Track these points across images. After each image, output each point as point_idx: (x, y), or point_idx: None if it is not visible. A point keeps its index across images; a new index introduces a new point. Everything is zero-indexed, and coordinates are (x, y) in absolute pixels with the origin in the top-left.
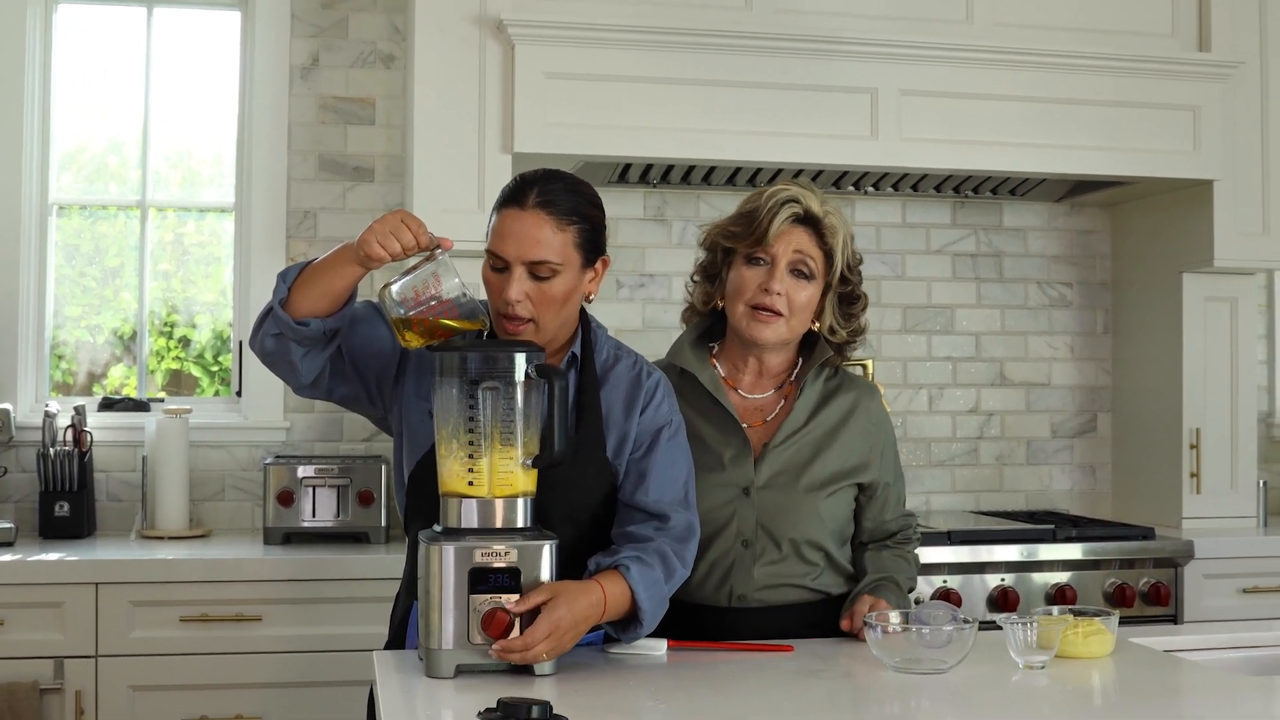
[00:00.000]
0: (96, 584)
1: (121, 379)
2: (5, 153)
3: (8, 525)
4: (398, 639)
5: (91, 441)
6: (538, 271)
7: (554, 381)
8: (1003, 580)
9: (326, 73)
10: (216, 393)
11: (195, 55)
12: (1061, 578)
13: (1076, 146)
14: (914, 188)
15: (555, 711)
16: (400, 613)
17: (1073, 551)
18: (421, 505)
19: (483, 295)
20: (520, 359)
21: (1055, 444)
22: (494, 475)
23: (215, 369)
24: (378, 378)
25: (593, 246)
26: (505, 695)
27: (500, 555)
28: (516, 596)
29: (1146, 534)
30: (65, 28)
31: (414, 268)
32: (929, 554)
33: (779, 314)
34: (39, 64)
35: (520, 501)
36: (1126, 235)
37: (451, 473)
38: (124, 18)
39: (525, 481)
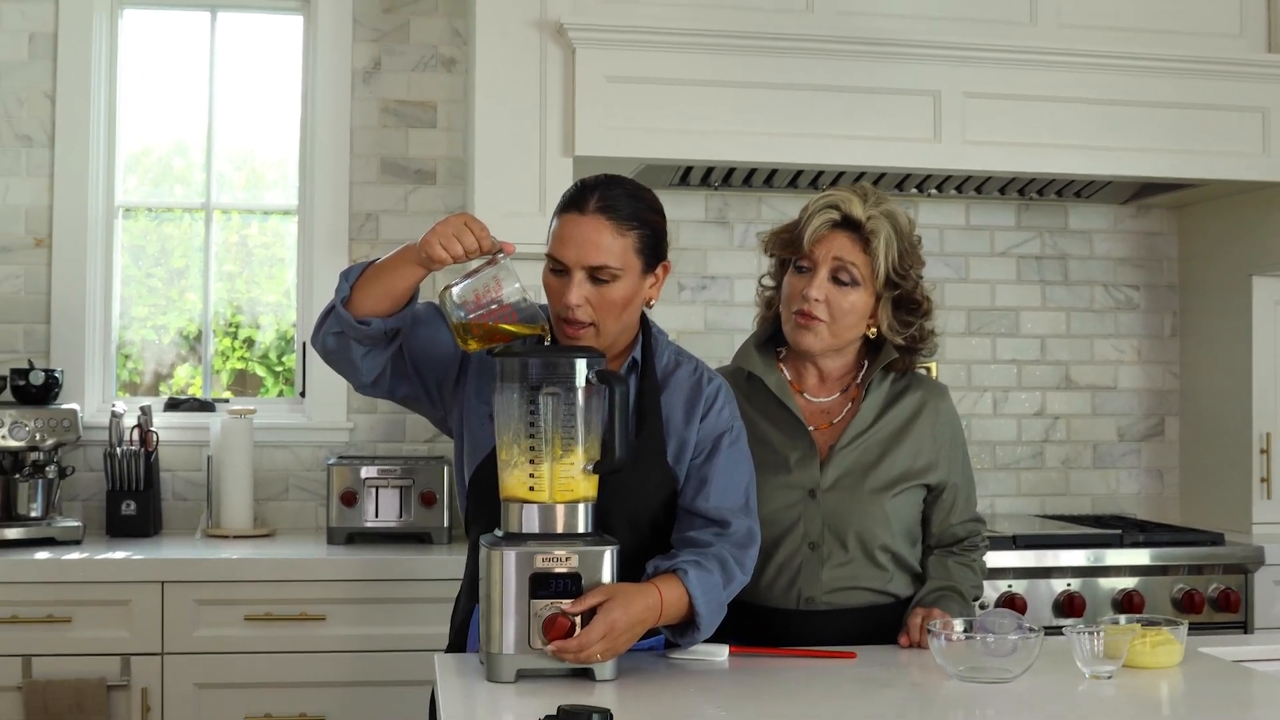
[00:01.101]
0: (162, 582)
1: (187, 379)
2: (73, 156)
3: (75, 524)
4: (459, 642)
5: (157, 441)
6: (598, 276)
7: (615, 387)
8: (1069, 585)
9: (388, 76)
10: (280, 393)
11: (258, 59)
12: (1129, 583)
13: (1142, 149)
14: (978, 190)
15: (615, 718)
16: (461, 616)
17: (1140, 557)
18: (482, 508)
19: (543, 299)
20: (581, 364)
21: (1122, 448)
22: (555, 481)
23: (279, 369)
24: (439, 379)
25: (653, 252)
26: (565, 702)
27: (561, 560)
28: None
29: (1216, 539)
30: (130, 32)
31: (475, 271)
32: (994, 559)
33: (819, 320)
34: (105, 68)
35: (581, 507)
36: (1194, 237)
37: (513, 478)
38: (188, 22)
39: (586, 487)
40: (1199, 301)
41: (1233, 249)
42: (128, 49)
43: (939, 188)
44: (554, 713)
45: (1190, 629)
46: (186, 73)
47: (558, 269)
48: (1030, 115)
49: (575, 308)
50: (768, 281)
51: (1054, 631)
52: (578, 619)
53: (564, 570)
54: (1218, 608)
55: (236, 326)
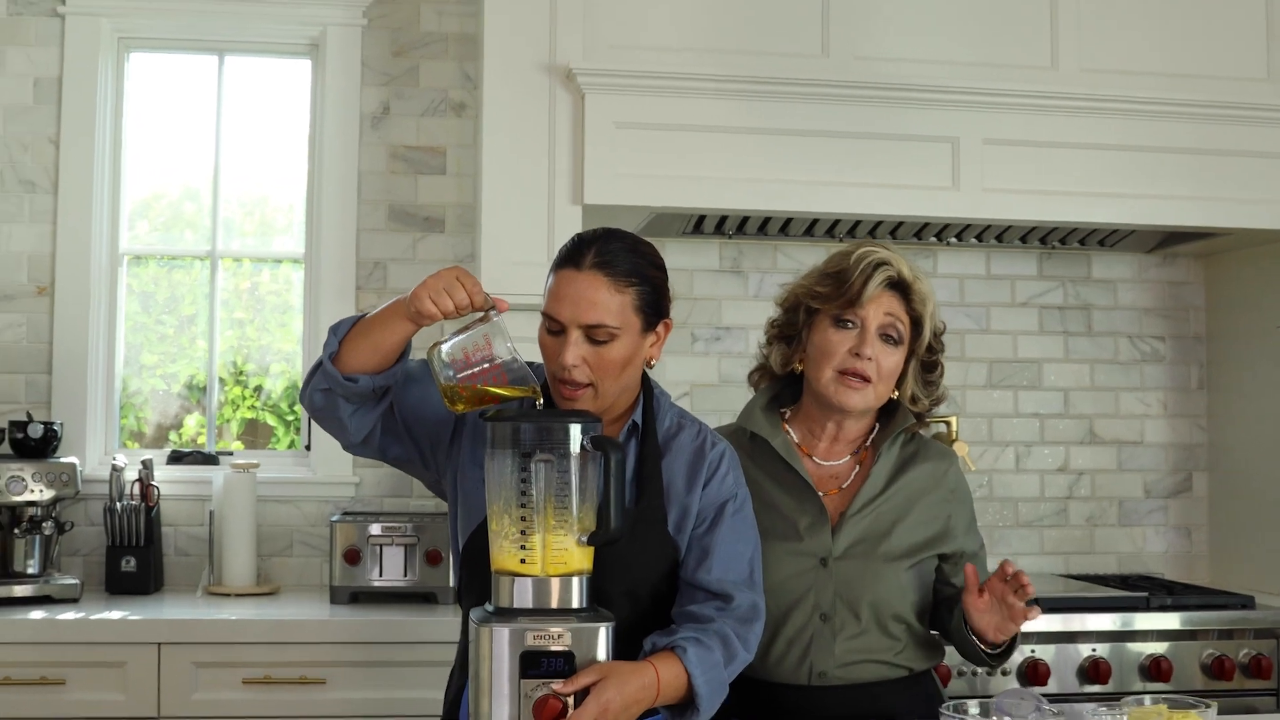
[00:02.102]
0: (159, 644)
1: (196, 428)
2: (77, 202)
3: (73, 581)
4: (451, 718)
5: (159, 496)
6: (595, 335)
7: (610, 454)
8: (1094, 650)
9: (398, 121)
10: (292, 442)
11: (268, 104)
12: (1156, 648)
13: (1167, 196)
14: (998, 238)
15: None
16: (454, 690)
17: (1168, 621)
18: (475, 579)
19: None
20: (575, 430)
21: (1149, 504)
22: (547, 553)
23: (291, 418)
24: (432, 441)
25: (654, 309)
26: None
27: (554, 638)
28: None
29: (1246, 603)
30: (137, 76)
31: (466, 328)
32: None
33: (868, 380)
34: (110, 113)
35: (576, 580)
36: (1221, 287)
37: (503, 550)
38: (196, 66)
39: (581, 559)
40: (1227, 353)
41: (1262, 299)
42: (134, 93)
43: (959, 236)
44: None
45: (1220, 697)
46: (195, 117)
47: (554, 328)
48: (1052, 162)
49: (571, 368)
50: (775, 339)
51: (1080, 699)
52: (570, 700)
53: (557, 648)
54: (1249, 674)
55: (246, 375)
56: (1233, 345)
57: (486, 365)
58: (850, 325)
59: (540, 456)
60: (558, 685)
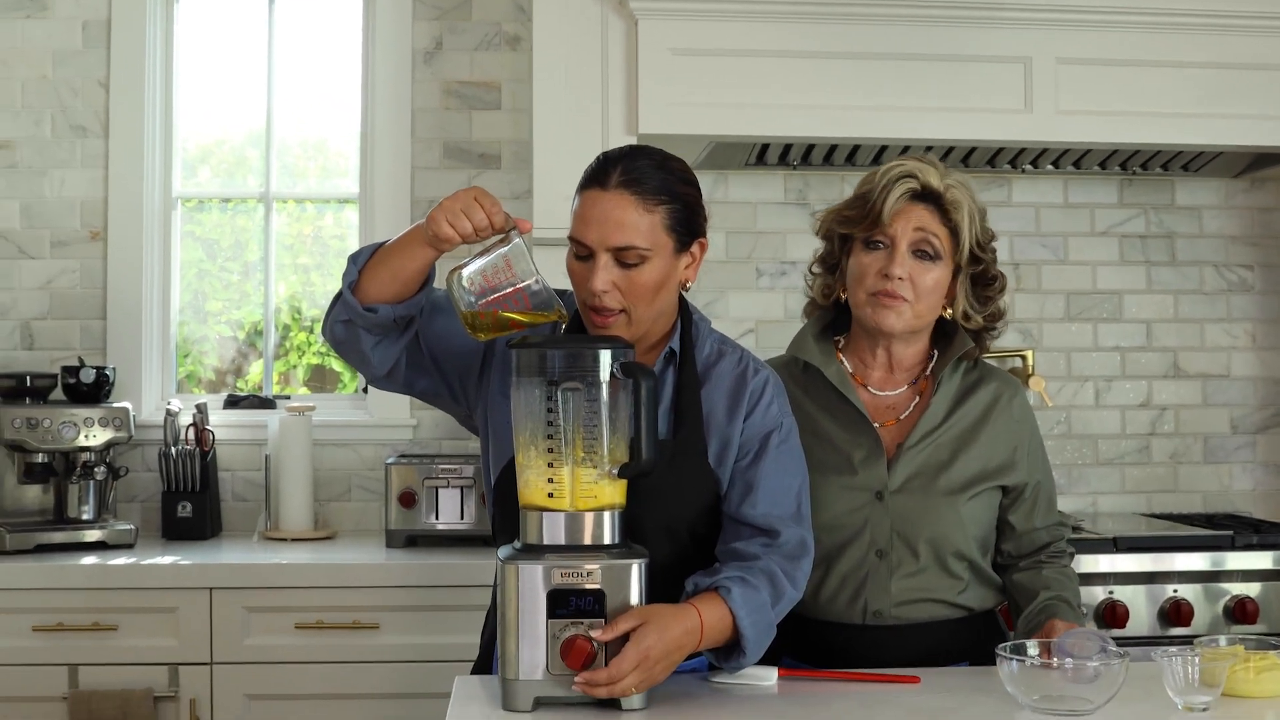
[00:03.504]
0: (211, 589)
1: (261, 374)
2: (128, 146)
3: (127, 527)
4: (486, 659)
5: (214, 440)
6: (624, 258)
7: (641, 381)
8: (1175, 592)
9: (450, 56)
10: (357, 388)
11: (322, 43)
12: (1242, 590)
13: (1256, 116)
14: (1076, 165)
15: None
16: (489, 632)
17: (1255, 560)
18: (507, 516)
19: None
20: (605, 356)
21: (1236, 440)
22: (576, 486)
23: None
24: (460, 373)
25: (687, 228)
26: None
27: (583, 575)
28: (599, 621)
29: None
30: (187, 19)
31: (486, 251)
32: (1093, 563)
33: (903, 298)
34: (160, 55)
35: (607, 515)
36: None
37: (530, 483)
38: (246, 5)
39: (612, 493)
40: None
41: None
42: (185, 36)
43: (1034, 163)
44: None
45: None
46: (248, 60)
47: (581, 252)
48: (1131, 82)
49: (601, 294)
50: (817, 269)
51: (1161, 641)
52: (598, 641)
53: (586, 586)
54: None
55: (313, 320)
56: None
57: (508, 290)
58: (880, 245)
59: (568, 385)
60: (596, 633)
